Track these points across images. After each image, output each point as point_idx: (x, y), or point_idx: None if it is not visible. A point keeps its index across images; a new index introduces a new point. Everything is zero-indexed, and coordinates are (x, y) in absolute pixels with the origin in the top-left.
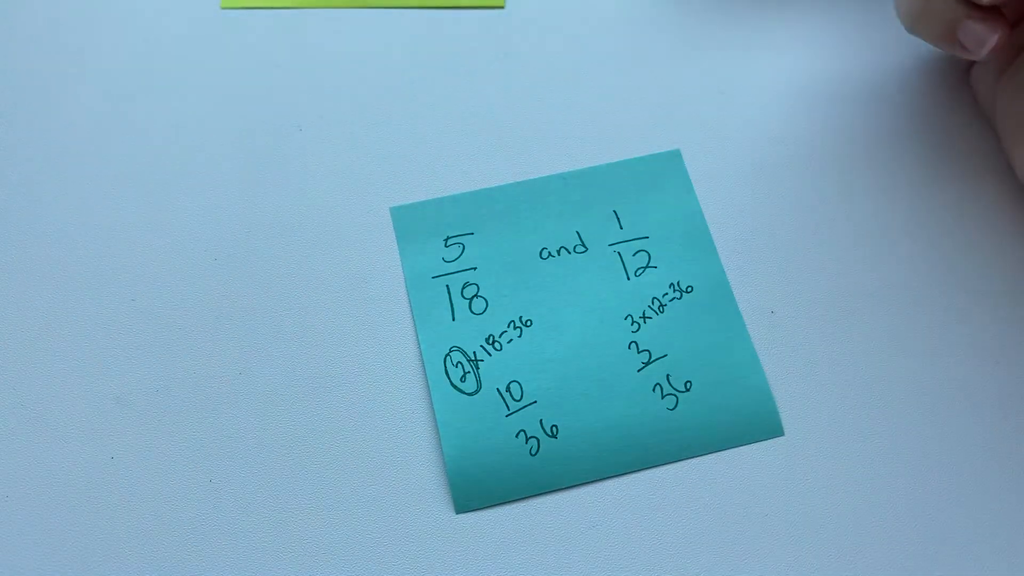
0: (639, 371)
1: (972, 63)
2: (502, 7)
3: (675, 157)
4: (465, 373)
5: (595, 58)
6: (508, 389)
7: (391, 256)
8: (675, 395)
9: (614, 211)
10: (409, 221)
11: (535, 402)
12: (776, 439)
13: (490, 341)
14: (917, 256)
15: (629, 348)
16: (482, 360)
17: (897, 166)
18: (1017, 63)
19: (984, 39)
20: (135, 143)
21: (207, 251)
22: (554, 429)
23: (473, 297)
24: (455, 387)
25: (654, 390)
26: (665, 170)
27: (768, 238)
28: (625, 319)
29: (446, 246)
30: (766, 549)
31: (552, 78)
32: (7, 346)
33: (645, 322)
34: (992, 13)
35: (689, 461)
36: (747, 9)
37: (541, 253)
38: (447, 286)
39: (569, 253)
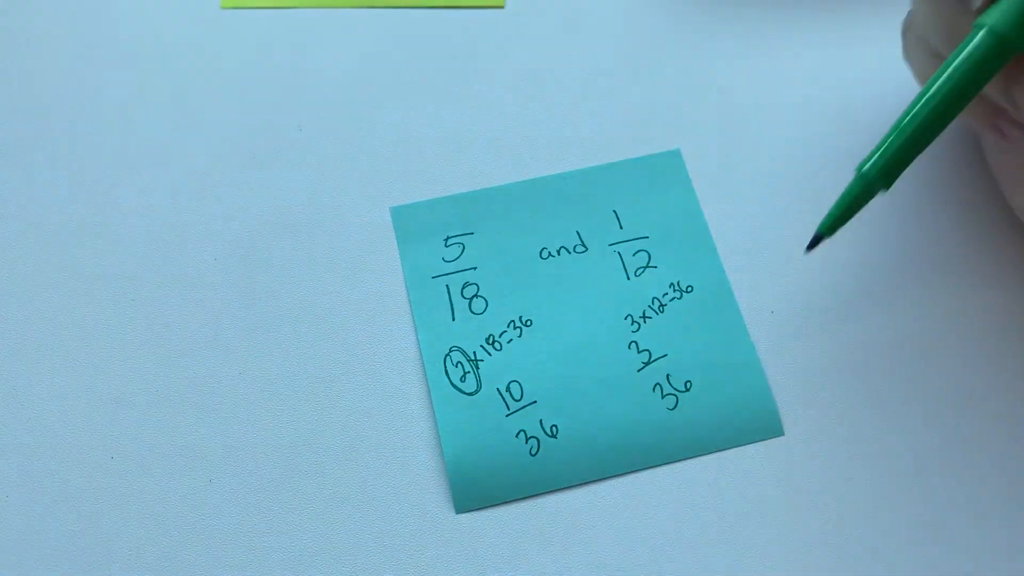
0: (639, 371)
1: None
2: (502, 7)
3: (675, 157)
4: (465, 373)
5: (595, 58)
6: (508, 389)
7: (391, 256)
8: (675, 395)
9: (614, 211)
10: (409, 221)
11: (535, 402)
12: (776, 439)
13: (490, 341)
14: (918, 255)
15: (629, 348)
16: (482, 360)
17: None
18: None
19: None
20: (135, 143)
21: (207, 251)
22: (554, 429)
23: (473, 297)
24: (455, 387)
25: (654, 390)
26: (665, 170)
27: (768, 238)
28: (625, 319)
29: (446, 246)
30: (766, 549)
31: (552, 78)
32: (7, 346)
33: (645, 322)
34: None
35: (689, 461)
36: (747, 8)
37: (541, 253)
38: (447, 286)
39: (569, 253)
